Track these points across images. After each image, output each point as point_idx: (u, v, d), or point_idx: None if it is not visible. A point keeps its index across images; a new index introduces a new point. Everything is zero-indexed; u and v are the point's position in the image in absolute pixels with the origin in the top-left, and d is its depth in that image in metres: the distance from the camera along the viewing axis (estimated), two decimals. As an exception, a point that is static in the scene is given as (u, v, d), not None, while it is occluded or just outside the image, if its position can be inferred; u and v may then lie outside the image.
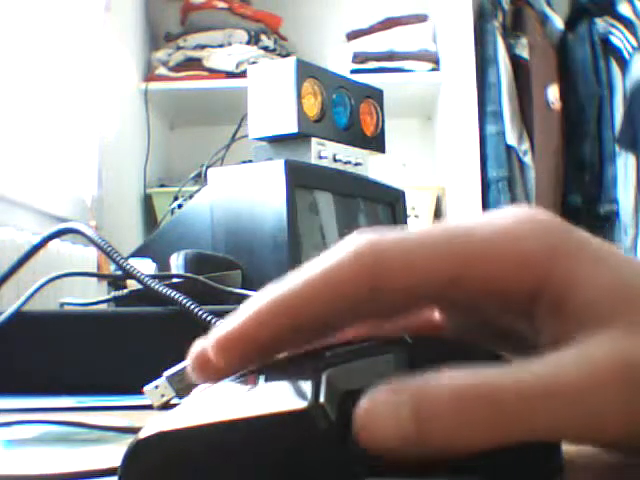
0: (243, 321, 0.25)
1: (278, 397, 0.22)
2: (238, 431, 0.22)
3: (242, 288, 0.77)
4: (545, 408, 0.22)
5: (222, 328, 0.25)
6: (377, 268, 0.24)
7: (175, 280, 0.70)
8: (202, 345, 0.26)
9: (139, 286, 0.62)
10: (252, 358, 0.25)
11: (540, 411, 0.22)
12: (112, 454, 0.32)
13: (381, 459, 0.22)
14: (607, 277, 0.25)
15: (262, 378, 0.24)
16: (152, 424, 0.23)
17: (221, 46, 2.17)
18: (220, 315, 0.54)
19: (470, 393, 0.22)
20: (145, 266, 0.84)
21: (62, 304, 0.71)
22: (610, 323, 0.24)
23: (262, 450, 0.22)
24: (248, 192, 0.99)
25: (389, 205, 1.15)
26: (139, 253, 1.01)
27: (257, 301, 0.25)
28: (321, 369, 0.23)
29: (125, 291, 0.68)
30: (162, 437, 0.22)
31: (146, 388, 0.48)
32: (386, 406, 0.22)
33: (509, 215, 0.26)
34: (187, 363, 0.27)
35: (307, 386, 0.22)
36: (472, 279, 0.25)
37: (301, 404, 0.22)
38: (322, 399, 0.22)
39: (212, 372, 0.26)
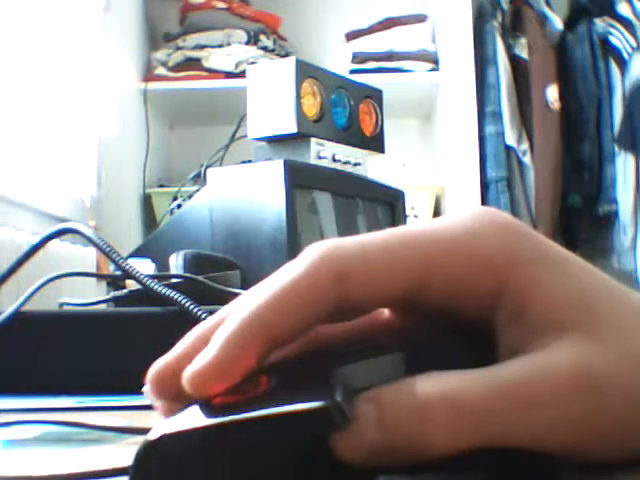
0: (223, 349, 0.24)
1: (293, 396, 0.22)
2: (255, 430, 0.22)
3: (241, 288, 0.77)
4: (506, 415, 0.23)
5: (200, 360, 0.24)
6: (343, 273, 0.24)
7: (174, 280, 0.70)
8: (163, 367, 0.26)
9: (138, 286, 0.62)
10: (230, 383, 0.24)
11: (500, 418, 0.22)
12: (112, 454, 0.32)
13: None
14: (566, 284, 0.25)
15: (274, 378, 0.24)
16: (163, 424, 0.23)
17: (220, 46, 2.17)
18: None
19: (429, 401, 0.22)
20: (144, 266, 0.84)
21: (61, 304, 0.71)
22: (569, 331, 0.24)
23: (280, 448, 0.22)
24: (247, 192, 0.99)
25: (388, 205, 1.15)
26: (138, 253, 1.01)
27: (232, 324, 0.24)
28: (333, 368, 0.23)
29: (124, 291, 0.68)
30: (172, 438, 0.22)
31: (145, 388, 0.48)
32: (356, 418, 0.22)
33: (471, 218, 0.26)
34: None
35: (321, 385, 0.22)
36: (434, 280, 0.25)
37: (318, 403, 0.22)
38: (339, 397, 0.22)
39: (174, 396, 0.25)
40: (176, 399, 0.25)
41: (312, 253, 0.25)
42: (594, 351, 0.24)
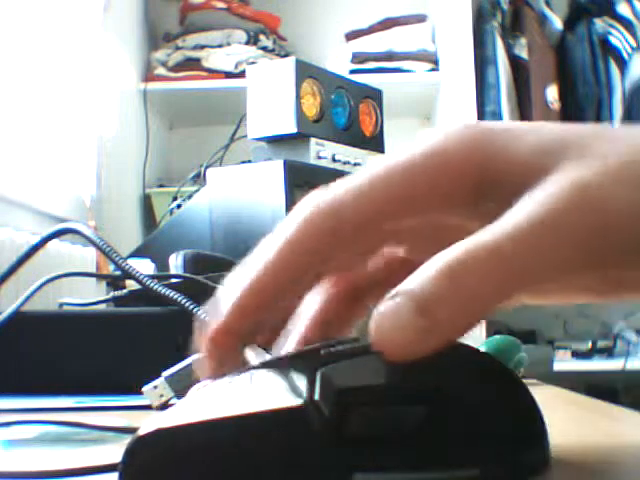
0: (229, 311, 0.26)
1: (274, 394, 0.23)
2: (234, 428, 0.22)
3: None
4: (534, 250, 0.22)
5: (211, 325, 0.27)
6: (335, 223, 0.25)
7: (174, 280, 0.70)
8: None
9: (138, 286, 0.62)
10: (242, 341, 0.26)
11: (529, 255, 0.22)
12: (111, 454, 0.32)
13: (373, 456, 0.22)
14: (538, 136, 0.25)
15: (259, 376, 0.24)
16: (152, 421, 0.23)
17: (220, 46, 2.17)
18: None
19: (454, 267, 0.22)
20: (144, 266, 0.84)
21: (61, 304, 0.71)
22: (556, 165, 0.24)
23: (257, 446, 0.22)
24: (247, 192, 0.99)
25: (388, 205, 1.15)
26: (138, 253, 1.01)
27: (236, 287, 0.26)
28: (317, 367, 0.23)
29: (124, 291, 0.68)
30: (160, 434, 0.23)
31: (145, 388, 0.48)
32: (391, 314, 0.22)
33: (442, 136, 0.26)
34: (186, 363, 0.28)
35: (303, 384, 0.23)
36: (418, 200, 0.25)
37: (296, 401, 0.22)
38: (317, 396, 0.22)
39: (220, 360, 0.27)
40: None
41: (304, 207, 0.26)
42: (587, 171, 0.23)
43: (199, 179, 1.24)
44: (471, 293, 0.22)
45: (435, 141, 0.25)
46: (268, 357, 0.27)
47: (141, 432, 0.23)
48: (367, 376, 0.23)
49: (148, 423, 0.23)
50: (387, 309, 0.22)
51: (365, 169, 0.26)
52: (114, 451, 0.33)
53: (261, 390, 0.23)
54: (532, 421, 0.25)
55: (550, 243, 0.22)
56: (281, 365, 0.25)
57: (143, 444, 0.23)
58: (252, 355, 0.27)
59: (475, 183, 0.25)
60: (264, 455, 0.22)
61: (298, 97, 1.01)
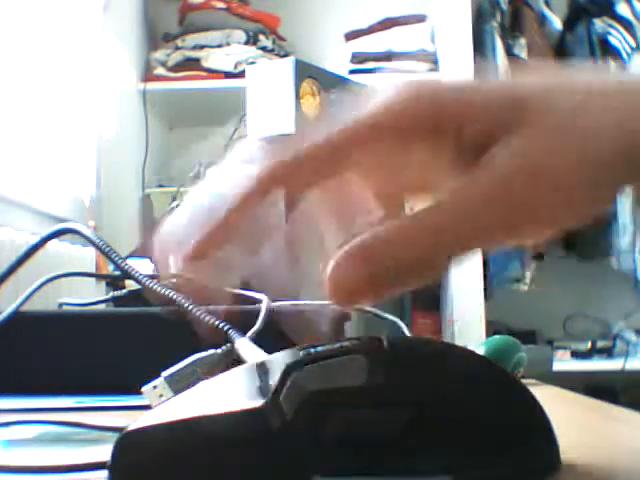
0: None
1: (246, 395, 0.23)
2: (198, 428, 0.23)
3: (240, 288, 0.77)
4: (484, 213, 0.24)
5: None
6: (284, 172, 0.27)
7: (173, 280, 0.70)
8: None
9: (138, 286, 0.62)
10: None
11: (480, 216, 0.24)
12: (109, 454, 0.32)
13: (333, 459, 0.22)
14: (501, 89, 0.26)
15: (240, 376, 0.24)
16: (144, 417, 0.24)
17: (219, 46, 2.17)
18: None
19: (408, 224, 0.24)
20: (144, 266, 0.84)
21: (61, 304, 0.71)
22: (510, 129, 0.25)
23: (220, 446, 0.22)
24: (247, 192, 0.99)
25: (388, 205, 1.15)
26: (137, 253, 1.00)
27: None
28: (291, 369, 0.23)
29: (124, 291, 0.68)
30: (139, 432, 0.23)
31: (144, 388, 0.48)
32: (340, 263, 0.24)
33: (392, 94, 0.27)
34: (186, 363, 0.27)
35: (273, 385, 0.23)
36: (384, 129, 0.26)
37: (259, 403, 0.22)
38: (281, 398, 0.22)
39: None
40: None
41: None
42: (527, 144, 0.25)
43: (199, 179, 1.24)
44: (416, 246, 0.24)
45: (400, 90, 0.26)
46: (260, 354, 0.27)
47: (126, 429, 0.24)
48: (335, 379, 0.23)
49: (139, 420, 0.24)
50: (337, 259, 0.24)
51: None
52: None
53: (237, 391, 0.24)
54: (532, 424, 0.24)
55: (501, 206, 0.24)
56: (263, 366, 0.25)
57: (125, 443, 0.23)
58: (245, 353, 0.27)
59: (437, 121, 0.26)
60: (227, 454, 0.22)
61: (297, 97, 1.01)
